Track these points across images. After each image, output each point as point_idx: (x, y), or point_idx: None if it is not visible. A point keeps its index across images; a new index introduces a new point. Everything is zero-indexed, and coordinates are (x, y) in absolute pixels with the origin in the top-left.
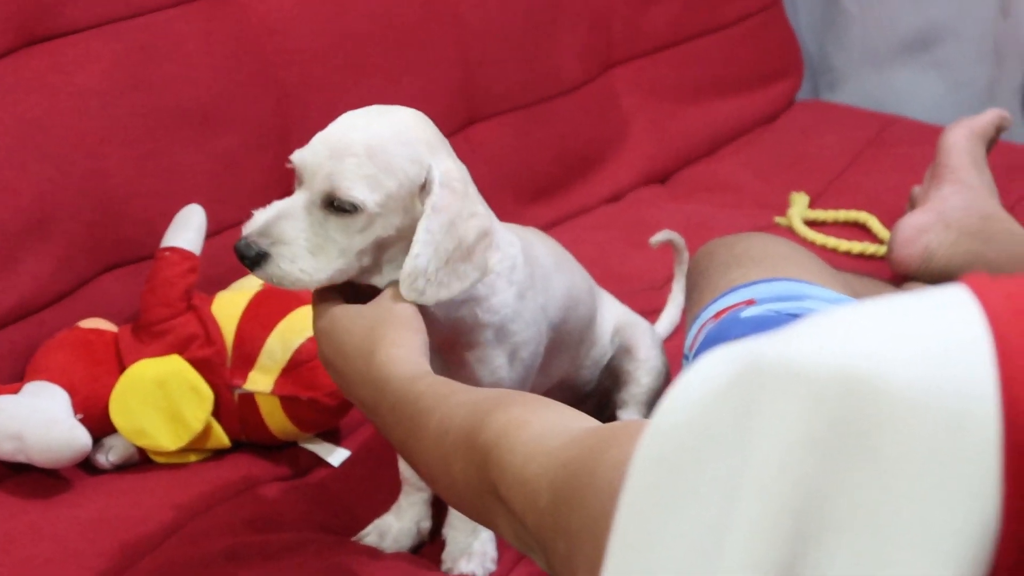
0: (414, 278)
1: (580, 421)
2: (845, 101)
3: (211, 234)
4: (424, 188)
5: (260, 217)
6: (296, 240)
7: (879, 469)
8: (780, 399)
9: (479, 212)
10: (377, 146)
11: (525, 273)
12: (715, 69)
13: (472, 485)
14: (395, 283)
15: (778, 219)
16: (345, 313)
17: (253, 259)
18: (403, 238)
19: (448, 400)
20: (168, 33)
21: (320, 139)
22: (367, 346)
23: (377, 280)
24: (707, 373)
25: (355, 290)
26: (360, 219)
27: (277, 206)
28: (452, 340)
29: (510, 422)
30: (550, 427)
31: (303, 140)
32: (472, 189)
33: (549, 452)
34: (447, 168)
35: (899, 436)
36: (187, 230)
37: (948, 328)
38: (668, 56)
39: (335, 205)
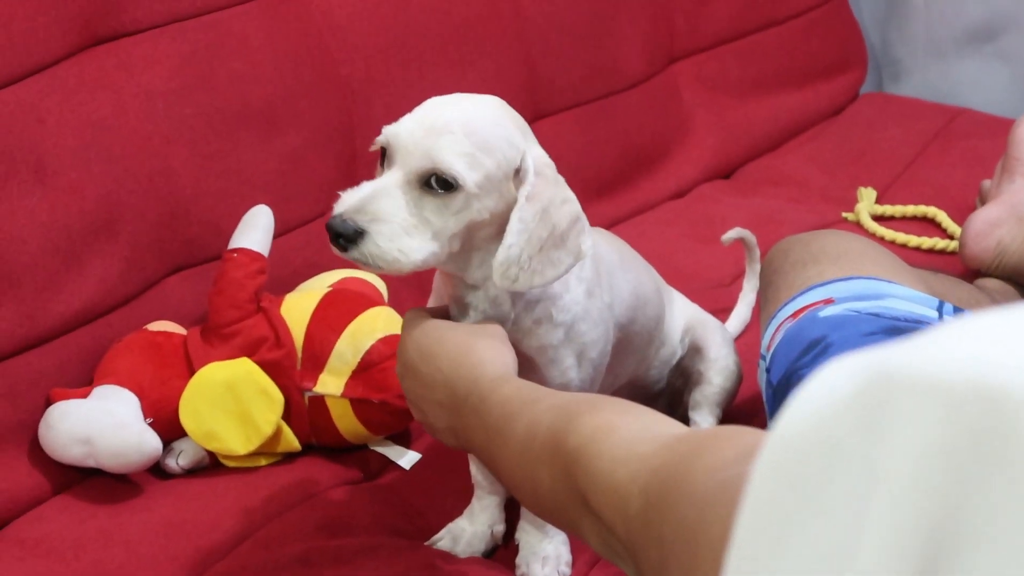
0: (507, 267)
1: (669, 426)
2: (909, 93)
3: (278, 234)
4: (518, 174)
5: (353, 195)
6: (394, 218)
7: (1019, 482)
8: (912, 409)
9: (570, 197)
10: (475, 125)
11: (592, 271)
12: (778, 62)
13: (558, 492)
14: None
15: (846, 214)
16: (439, 323)
17: (350, 236)
18: (494, 224)
19: (535, 405)
20: (232, 32)
21: (413, 118)
22: (461, 348)
23: (464, 270)
24: (831, 382)
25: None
26: (458, 199)
27: (369, 185)
28: (515, 343)
29: (598, 427)
30: (639, 432)
31: (368, 137)
32: (560, 175)
33: (640, 457)
34: (538, 154)
35: None
36: (255, 231)
37: None
38: (730, 50)
39: (432, 184)
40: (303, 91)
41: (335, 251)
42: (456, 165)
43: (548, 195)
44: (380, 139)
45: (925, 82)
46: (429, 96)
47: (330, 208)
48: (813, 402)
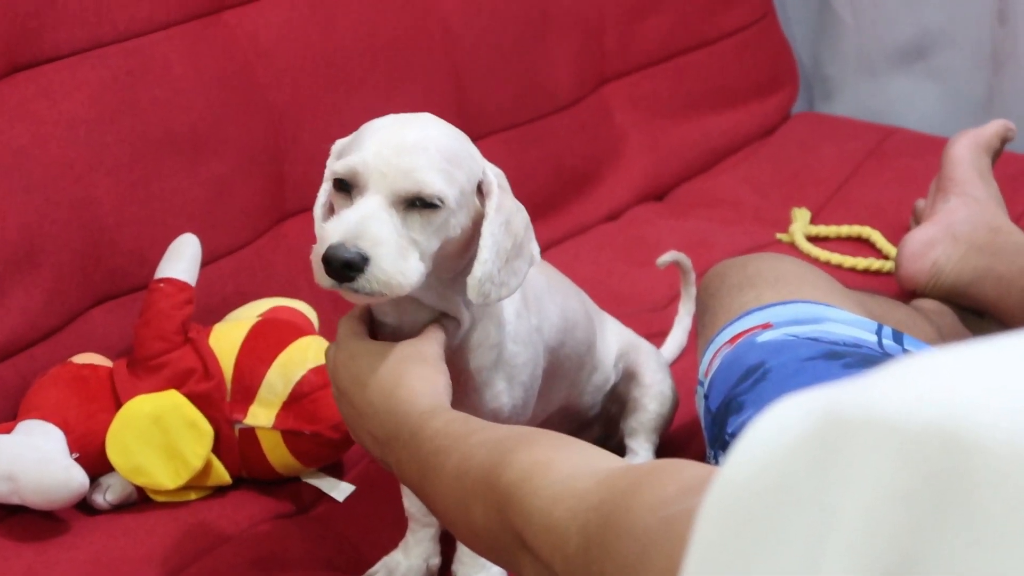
0: (482, 283)
1: (607, 460)
2: (841, 112)
3: (206, 263)
4: (479, 188)
5: (340, 224)
6: (390, 240)
7: (979, 530)
8: (867, 452)
9: (520, 205)
10: (443, 142)
11: (519, 293)
12: (709, 83)
13: (494, 529)
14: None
15: (780, 235)
16: (370, 347)
17: (355, 265)
18: (462, 240)
19: (468, 439)
20: (154, 57)
21: (378, 142)
22: (390, 379)
23: (422, 290)
24: (781, 422)
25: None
26: (440, 215)
27: (352, 212)
28: (453, 367)
29: (534, 463)
30: (577, 467)
31: (296, 162)
32: None
33: (577, 495)
34: (491, 166)
35: (1002, 495)
36: (181, 260)
37: None
38: (661, 70)
39: (415, 203)
40: (229, 116)
41: (326, 285)
42: (438, 182)
43: (508, 206)
44: (342, 170)
45: (857, 100)
46: (358, 119)
47: (259, 233)
48: (763, 443)
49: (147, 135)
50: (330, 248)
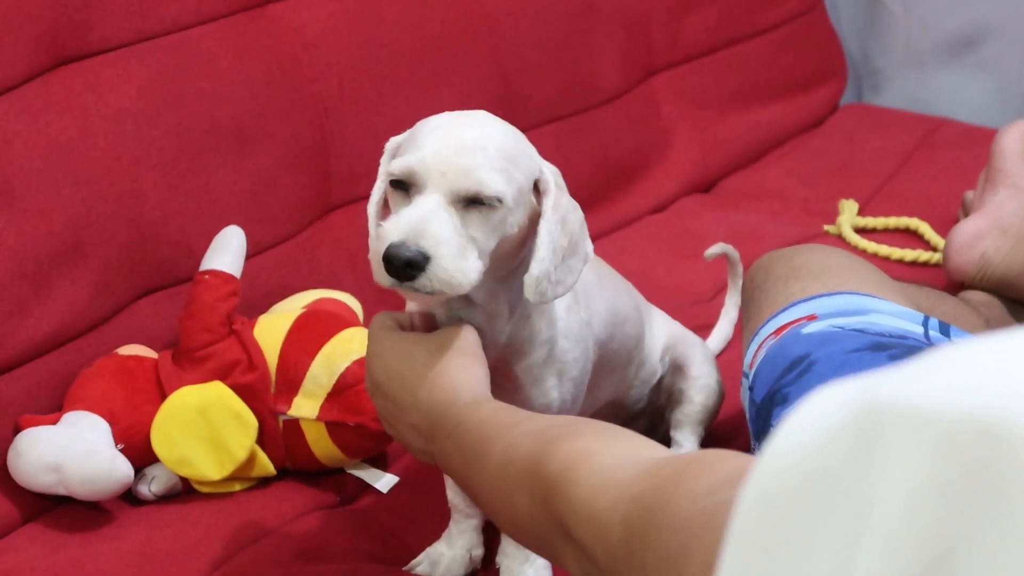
0: (539, 282)
1: (650, 451)
2: (890, 104)
3: (251, 255)
4: (536, 186)
5: (401, 223)
6: (451, 239)
7: (1015, 520)
8: (904, 442)
9: (575, 203)
10: (501, 141)
11: None
12: (757, 75)
13: (537, 519)
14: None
15: (827, 227)
16: (405, 339)
17: (416, 263)
18: (519, 238)
19: (512, 429)
20: (201, 50)
21: (436, 141)
22: (429, 370)
23: (476, 293)
24: (819, 412)
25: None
26: (498, 214)
27: (412, 211)
28: (506, 363)
29: (578, 453)
30: (619, 458)
31: (341, 155)
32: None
33: (620, 485)
34: (548, 165)
35: None
36: (227, 252)
37: None
38: (708, 63)
39: (474, 202)
40: (274, 110)
41: (386, 284)
42: (498, 181)
43: (564, 204)
44: (399, 170)
45: (906, 92)
46: (404, 114)
47: (304, 226)
48: (801, 433)
49: (193, 128)
50: (391, 247)
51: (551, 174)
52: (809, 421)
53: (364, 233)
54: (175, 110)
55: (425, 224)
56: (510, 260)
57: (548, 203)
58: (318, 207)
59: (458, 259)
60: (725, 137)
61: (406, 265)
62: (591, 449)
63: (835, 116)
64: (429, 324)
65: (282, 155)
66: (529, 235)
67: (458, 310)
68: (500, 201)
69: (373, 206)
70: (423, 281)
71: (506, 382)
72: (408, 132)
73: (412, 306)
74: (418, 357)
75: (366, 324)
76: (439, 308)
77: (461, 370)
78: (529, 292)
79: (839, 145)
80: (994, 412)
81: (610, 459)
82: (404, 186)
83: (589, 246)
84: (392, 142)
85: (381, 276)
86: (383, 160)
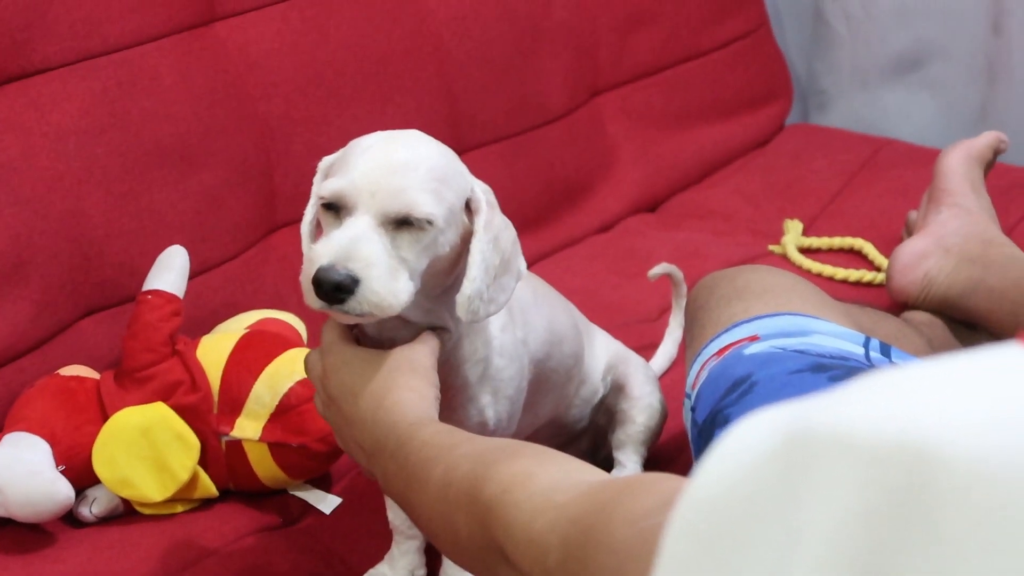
0: (471, 301)
1: (589, 473)
2: (835, 124)
3: (194, 275)
4: (468, 205)
5: (330, 245)
6: (381, 261)
7: (942, 548)
8: (832, 469)
9: (508, 222)
10: (433, 161)
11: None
12: (703, 94)
13: (476, 541)
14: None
15: (772, 247)
16: (362, 354)
17: (345, 287)
18: (450, 258)
19: (452, 451)
20: (145, 69)
21: (366, 162)
22: (380, 388)
23: (411, 312)
24: (748, 439)
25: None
26: (429, 235)
27: (341, 233)
28: (441, 379)
29: (515, 475)
30: (557, 480)
31: (286, 174)
32: None
33: (558, 507)
34: (480, 183)
35: (964, 511)
36: (169, 272)
37: (1013, 392)
38: (654, 82)
39: (405, 222)
40: (219, 128)
41: (316, 307)
42: (427, 203)
43: (496, 222)
44: (329, 194)
45: (851, 112)
46: (349, 132)
47: (248, 245)
48: (730, 458)
49: (137, 147)
50: (320, 270)
51: (483, 192)
52: (739, 446)
53: None
54: (119, 129)
55: (355, 246)
56: (443, 279)
57: (480, 222)
58: (263, 226)
59: (388, 281)
60: (671, 156)
61: (335, 288)
62: (529, 471)
63: (781, 136)
64: (386, 340)
65: (227, 174)
66: (462, 254)
67: (390, 330)
68: (430, 223)
69: (306, 227)
70: (352, 304)
71: (442, 401)
72: (341, 151)
73: None
74: (368, 374)
75: (310, 344)
76: (372, 328)
77: (407, 390)
78: (461, 311)
79: (785, 165)
80: (921, 438)
81: (548, 481)
82: (335, 208)
83: (522, 264)
84: (325, 161)
85: (311, 299)
86: (316, 180)
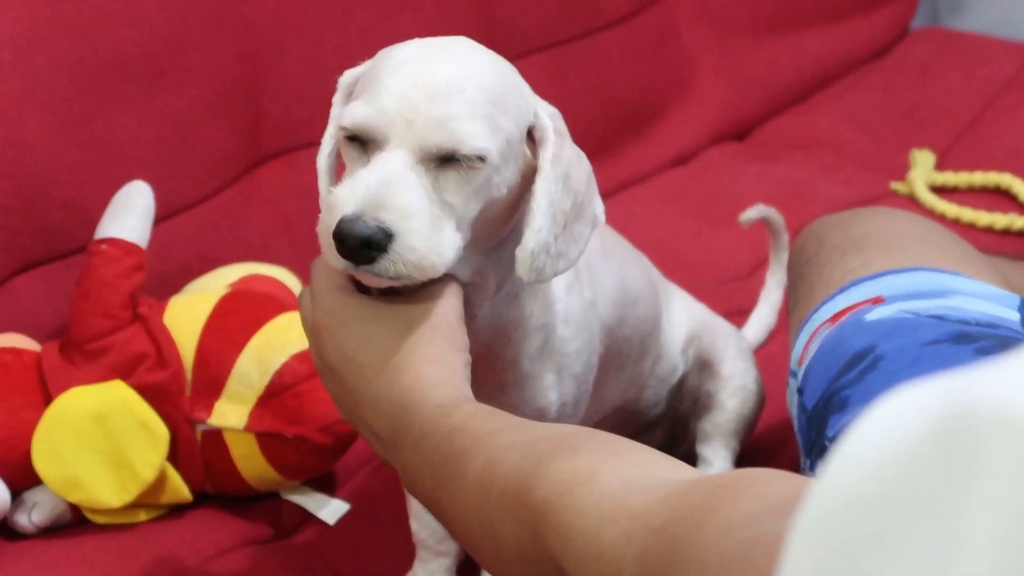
0: (536, 256)
1: (670, 470)
2: (974, 28)
3: (160, 220)
4: (530, 134)
5: (354, 188)
6: (421, 210)
7: None
8: (1002, 456)
9: (580, 152)
10: (484, 79)
11: None
12: None
13: (528, 555)
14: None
15: (895, 185)
16: (364, 309)
17: (377, 242)
18: (507, 201)
19: (494, 439)
20: None
21: (402, 80)
22: (394, 357)
23: (458, 270)
24: (893, 420)
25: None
26: (481, 174)
27: (370, 173)
28: (488, 354)
29: (576, 473)
30: (631, 479)
31: (277, 94)
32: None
33: (633, 514)
34: (545, 106)
35: None
36: (130, 215)
37: None
38: None
39: (446, 160)
40: (192, 35)
41: (340, 267)
42: (480, 134)
43: (567, 156)
44: (352, 123)
45: (994, 13)
46: (354, 41)
47: (227, 182)
48: (871, 446)
49: (89, 59)
50: (344, 221)
51: (549, 119)
52: (881, 431)
53: (303, 190)
54: (66, 36)
55: (387, 191)
56: (499, 229)
57: (546, 156)
58: (246, 158)
59: (430, 235)
60: (762, 71)
61: (363, 245)
62: (593, 468)
63: (903, 44)
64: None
65: (202, 93)
66: (523, 196)
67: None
68: (483, 159)
69: (323, 161)
70: (385, 264)
71: (489, 378)
72: (368, 64)
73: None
74: (376, 338)
75: None
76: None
77: (430, 360)
78: (522, 269)
79: (909, 81)
80: None
81: (618, 481)
82: (362, 141)
83: (599, 207)
84: (347, 76)
85: (333, 258)
86: (336, 100)
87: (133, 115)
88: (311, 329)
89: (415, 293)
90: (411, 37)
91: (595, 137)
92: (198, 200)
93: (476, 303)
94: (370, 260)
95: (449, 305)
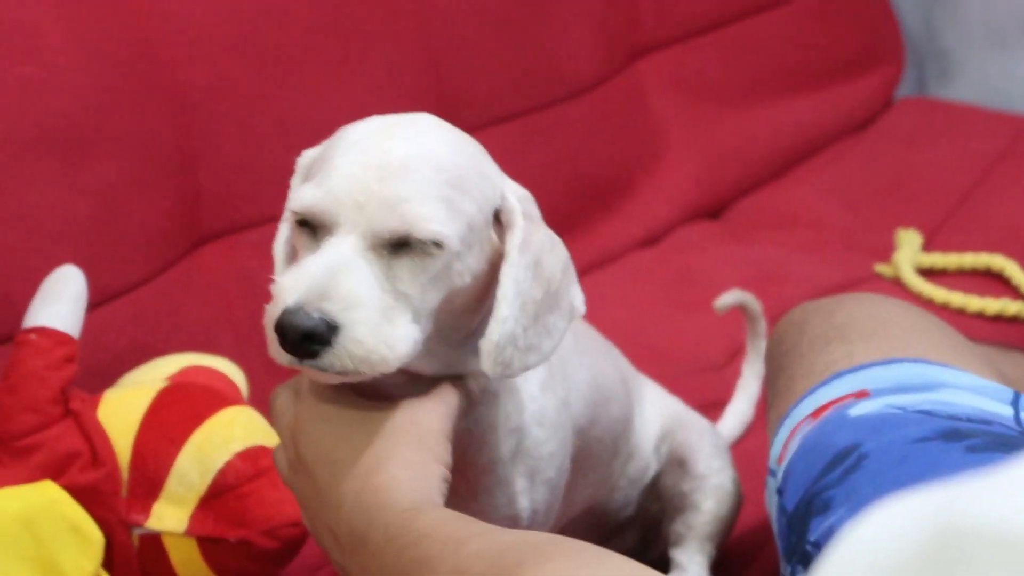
0: (501, 349)
1: None
2: (964, 97)
3: (92, 306)
4: (497, 217)
5: (299, 277)
6: (369, 300)
7: None
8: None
9: (555, 238)
10: (443, 158)
11: None
12: (781, 57)
13: None
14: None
15: (880, 267)
16: (348, 410)
17: (320, 335)
18: (472, 290)
19: (461, 549)
20: (22, 25)
21: (354, 159)
22: (369, 460)
23: (425, 364)
24: (882, 535)
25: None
26: (439, 261)
27: (317, 260)
28: (461, 460)
29: None
30: None
31: (215, 167)
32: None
33: None
34: (514, 187)
35: None
36: (59, 302)
37: None
38: (714, 41)
39: (400, 245)
40: (122, 105)
41: (283, 361)
42: (435, 217)
43: (537, 242)
44: (300, 207)
45: (984, 81)
46: (298, 109)
47: (164, 265)
48: (858, 562)
49: (12, 129)
50: (285, 312)
51: (518, 201)
52: (869, 546)
53: (246, 274)
54: None
55: (333, 279)
56: (468, 319)
57: (513, 242)
58: (184, 238)
59: (380, 326)
60: (737, 142)
61: (304, 338)
62: None
63: (888, 114)
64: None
65: (133, 166)
66: (492, 283)
67: (395, 387)
68: (439, 245)
69: (279, 247)
70: (330, 359)
71: (460, 485)
72: (324, 144)
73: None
74: (357, 440)
75: (251, 401)
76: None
77: (406, 466)
78: (487, 362)
79: (894, 154)
80: None
81: None
82: (312, 225)
83: (578, 297)
84: (305, 156)
85: (276, 351)
86: (293, 182)
87: (59, 190)
88: (288, 425)
89: (412, 397)
90: (359, 104)
91: (558, 214)
92: (133, 285)
93: (472, 402)
94: (313, 354)
95: (438, 414)
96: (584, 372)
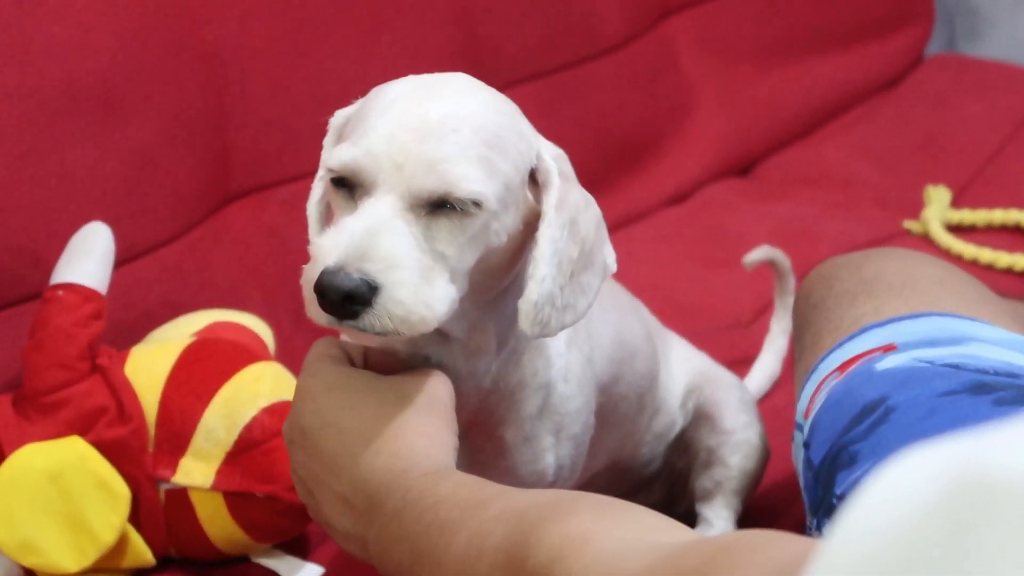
0: (539, 308)
1: (667, 532)
2: (993, 55)
3: (120, 263)
4: (533, 177)
5: (339, 238)
6: (409, 260)
7: None
8: (1015, 529)
9: (589, 196)
10: (481, 118)
11: None
12: (810, 16)
13: None
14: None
15: (909, 224)
16: (355, 378)
17: (361, 295)
18: (507, 250)
19: (482, 510)
20: None
21: (391, 120)
22: (387, 426)
23: (453, 325)
24: (906, 486)
25: None
26: (477, 221)
27: (356, 221)
28: (489, 418)
29: (569, 538)
30: (626, 543)
31: (244, 126)
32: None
33: None
34: (549, 147)
35: None
36: (87, 259)
37: None
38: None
39: (439, 206)
40: (153, 64)
41: (322, 322)
42: (475, 177)
43: (573, 200)
44: (338, 165)
45: (1013, 39)
46: (329, 71)
47: (193, 223)
48: (879, 513)
49: (42, 90)
50: (325, 273)
51: (553, 161)
52: (891, 495)
53: (274, 231)
54: (17, 65)
55: (373, 240)
56: (499, 279)
57: (550, 201)
58: (212, 196)
59: (420, 287)
60: (767, 101)
61: (346, 299)
62: (586, 532)
63: (917, 72)
64: (388, 364)
65: (163, 125)
66: (525, 244)
67: (427, 347)
68: (478, 204)
69: (313, 207)
70: (370, 319)
71: (486, 444)
72: (359, 102)
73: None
74: (367, 407)
75: (278, 356)
76: (401, 344)
77: (422, 434)
78: (525, 322)
79: (924, 111)
80: None
81: (612, 545)
82: (349, 185)
83: (610, 255)
84: (338, 116)
85: (315, 312)
86: (326, 142)
87: (89, 149)
88: (294, 400)
89: (405, 376)
90: (388, 62)
91: (587, 173)
92: (161, 242)
93: (481, 370)
94: (354, 315)
95: (444, 388)
96: (609, 329)
